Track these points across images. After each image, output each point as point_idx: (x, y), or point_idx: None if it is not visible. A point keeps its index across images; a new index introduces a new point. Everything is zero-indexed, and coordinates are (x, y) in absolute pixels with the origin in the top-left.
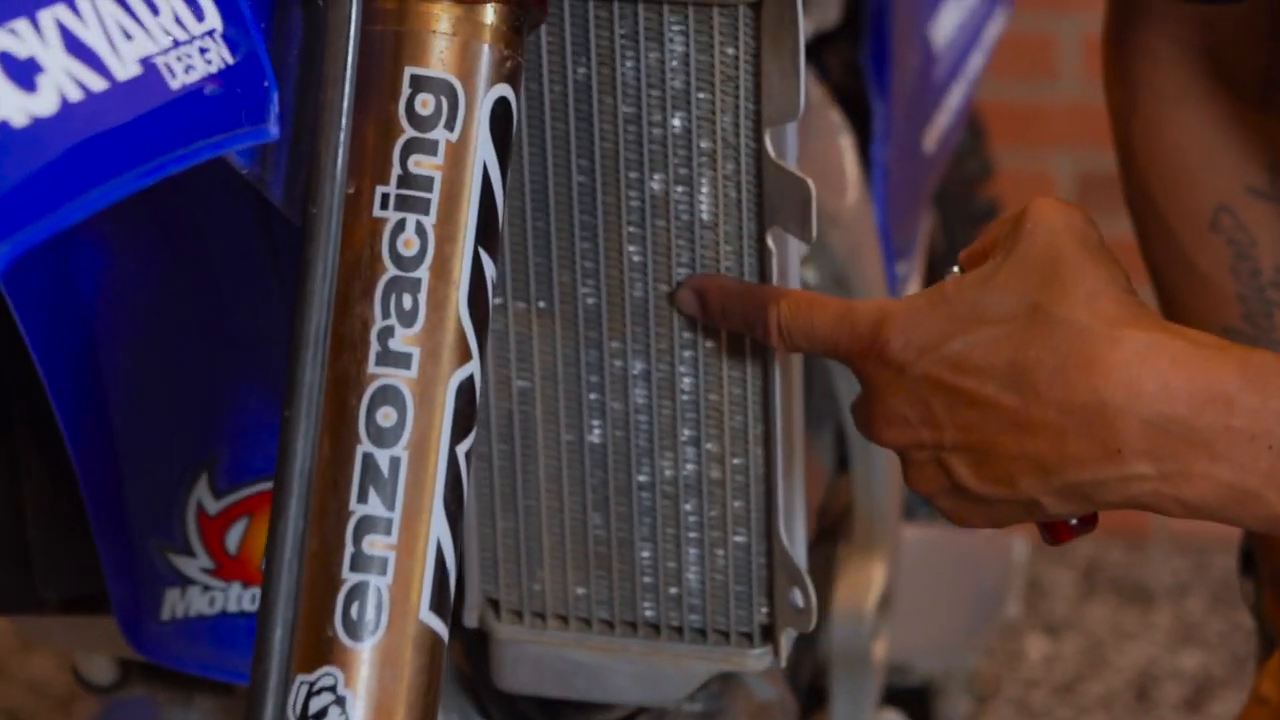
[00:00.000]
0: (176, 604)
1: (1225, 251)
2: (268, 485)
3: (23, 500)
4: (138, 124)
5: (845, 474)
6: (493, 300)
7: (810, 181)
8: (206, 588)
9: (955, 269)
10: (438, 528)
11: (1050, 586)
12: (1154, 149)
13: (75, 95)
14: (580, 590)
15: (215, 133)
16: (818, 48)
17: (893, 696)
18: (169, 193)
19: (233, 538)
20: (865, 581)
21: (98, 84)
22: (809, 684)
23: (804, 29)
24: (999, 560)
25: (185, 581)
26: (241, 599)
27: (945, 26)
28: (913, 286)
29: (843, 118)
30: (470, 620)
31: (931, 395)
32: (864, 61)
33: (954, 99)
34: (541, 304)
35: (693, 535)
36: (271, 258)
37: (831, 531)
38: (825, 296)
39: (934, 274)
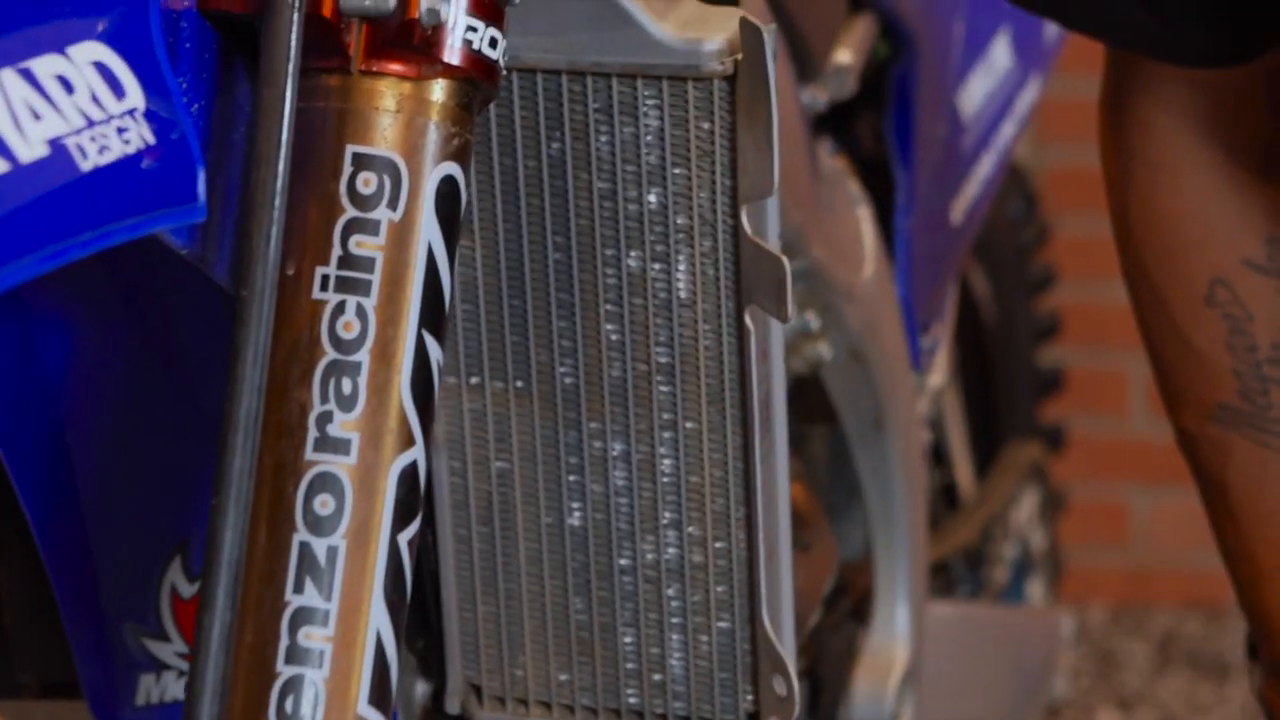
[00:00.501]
0: (151, 689)
1: (1220, 326)
2: None
3: None
4: (40, 207)
5: (869, 557)
6: (450, 381)
7: (785, 260)
8: (182, 673)
9: None
10: (377, 619)
11: (1125, 659)
12: (1149, 219)
13: None
14: (563, 676)
15: (133, 214)
16: (839, 119)
17: None
18: (136, 269)
19: None
20: (887, 662)
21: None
22: None
23: (777, 103)
24: (1045, 637)
25: (160, 666)
26: None
27: (974, 95)
28: (940, 358)
29: (861, 189)
30: (453, 707)
31: None
32: (887, 130)
33: (984, 169)
34: (519, 384)
35: (675, 620)
36: None
37: (855, 613)
38: None
39: (985, 345)
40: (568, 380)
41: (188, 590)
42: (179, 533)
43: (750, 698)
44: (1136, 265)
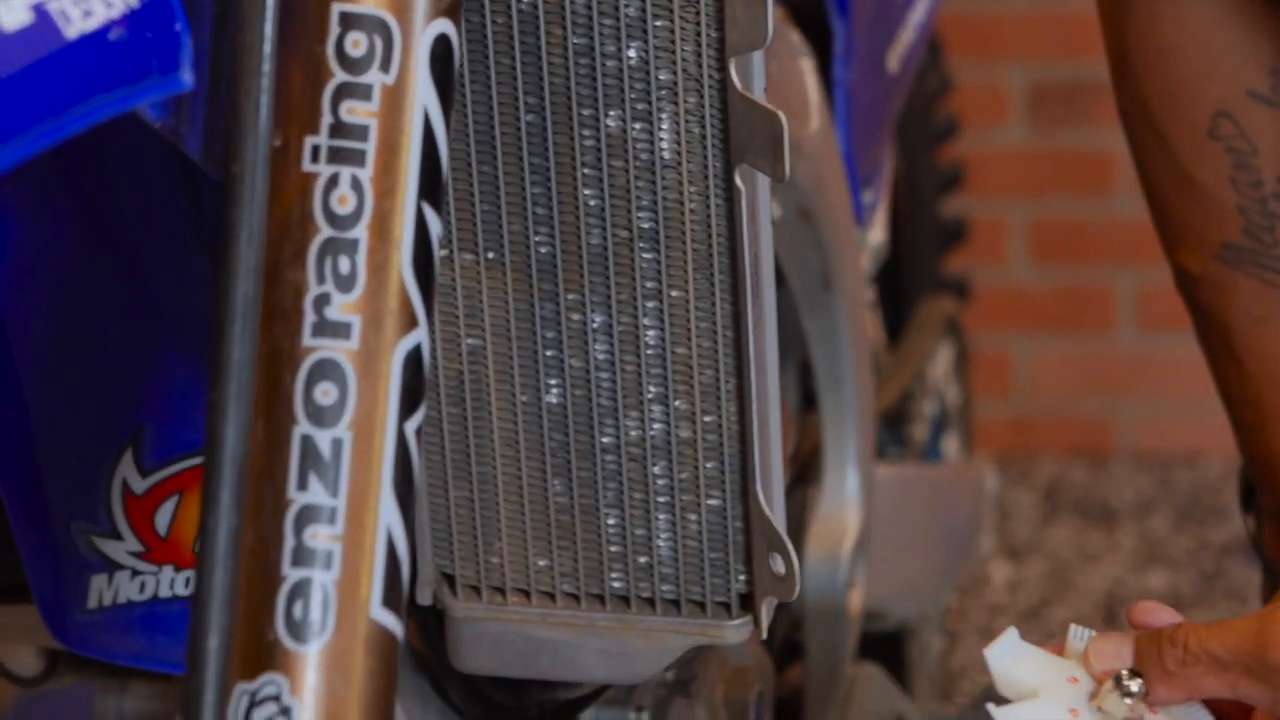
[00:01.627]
0: (104, 591)
1: (1224, 160)
2: (198, 460)
3: None
4: (28, 79)
5: (812, 412)
6: (438, 255)
7: (782, 114)
8: (136, 573)
9: None
10: (387, 514)
11: (1012, 509)
12: (1149, 51)
13: None
14: (542, 562)
15: (120, 85)
16: None
17: (866, 643)
18: (81, 151)
19: (162, 518)
20: (839, 529)
21: None
22: (783, 640)
23: None
24: (971, 494)
25: (113, 567)
26: (174, 583)
27: None
28: (880, 215)
29: (802, 39)
30: (424, 598)
31: None
32: None
33: (917, 14)
34: (490, 255)
35: (662, 500)
36: (196, 223)
37: (801, 476)
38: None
39: (895, 202)
40: (543, 250)
41: (140, 485)
42: (130, 424)
43: (743, 578)
44: (1135, 101)
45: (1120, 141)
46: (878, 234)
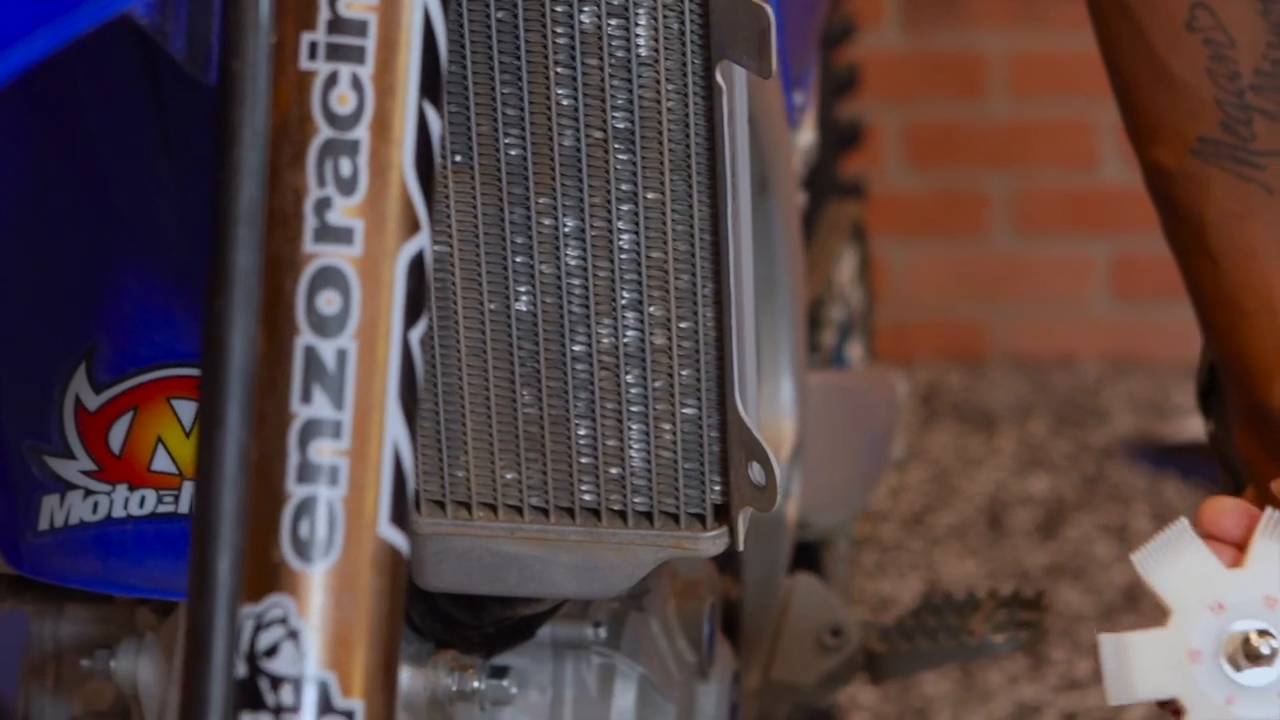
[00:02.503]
0: (55, 512)
1: (1202, 52)
2: (155, 375)
3: None
4: None
5: None
6: (439, 158)
7: (769, 7)
8: (89, 492)
9: None
10: (393, 428)
11: None
12: None
13: None
14: (509, 475)
15: None
16: None
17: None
18: None
19: (116, 436)
20: (775, 438)
21: None
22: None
23: None
24: (885, 401)
25: (65, 486)
26: (128, 503)
27: None
28: (809, 117)
29: None
30: None
31: None
32: None
33: None
34: (458, 158)
35: (635, 409)
36: (159, 124)
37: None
38: None
39: None
40: (513, 152)
41: (94, 402)
42: (83, 339)
43: (718, 488)
44: None
45: (994, 44)
46: (808, 135)
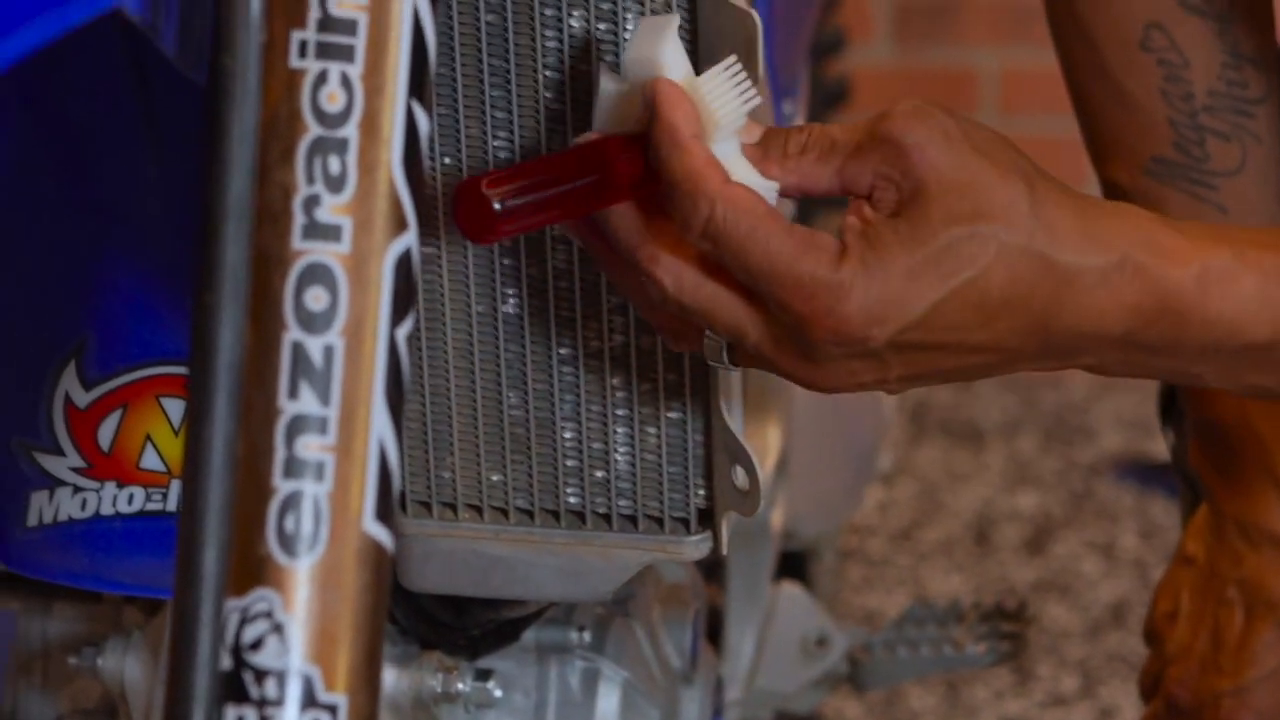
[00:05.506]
0: (44, 508)
1: (1156, 73)
2: (144, 372)
3: None
4: None
5: None
6: (426, 157)
7: (755, 14)
8: (77, 489)
9: (852, 219)
10: (379, 424)
11: None
12: None
13: None
14: (495, 477)
15: None
16: None
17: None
18: None
19: (105, 432)
20: (760, 446)
21: None
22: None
23: None
24: (872, 413)
25: (54, 483)
26: (116, 500)
27: None
28: (799, 121)
29: None
30: None
31: (889, 355)
32: None
33: None
34: (447, 160)
35: (621, 413)
36: (147, 119)
37: None
38: (770, 216)
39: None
40: (502, 154)
41: (83, 398)
42: (72, 334)
43: (702, 493)
44: (1067, 11)
45: (984, 60)
46: None
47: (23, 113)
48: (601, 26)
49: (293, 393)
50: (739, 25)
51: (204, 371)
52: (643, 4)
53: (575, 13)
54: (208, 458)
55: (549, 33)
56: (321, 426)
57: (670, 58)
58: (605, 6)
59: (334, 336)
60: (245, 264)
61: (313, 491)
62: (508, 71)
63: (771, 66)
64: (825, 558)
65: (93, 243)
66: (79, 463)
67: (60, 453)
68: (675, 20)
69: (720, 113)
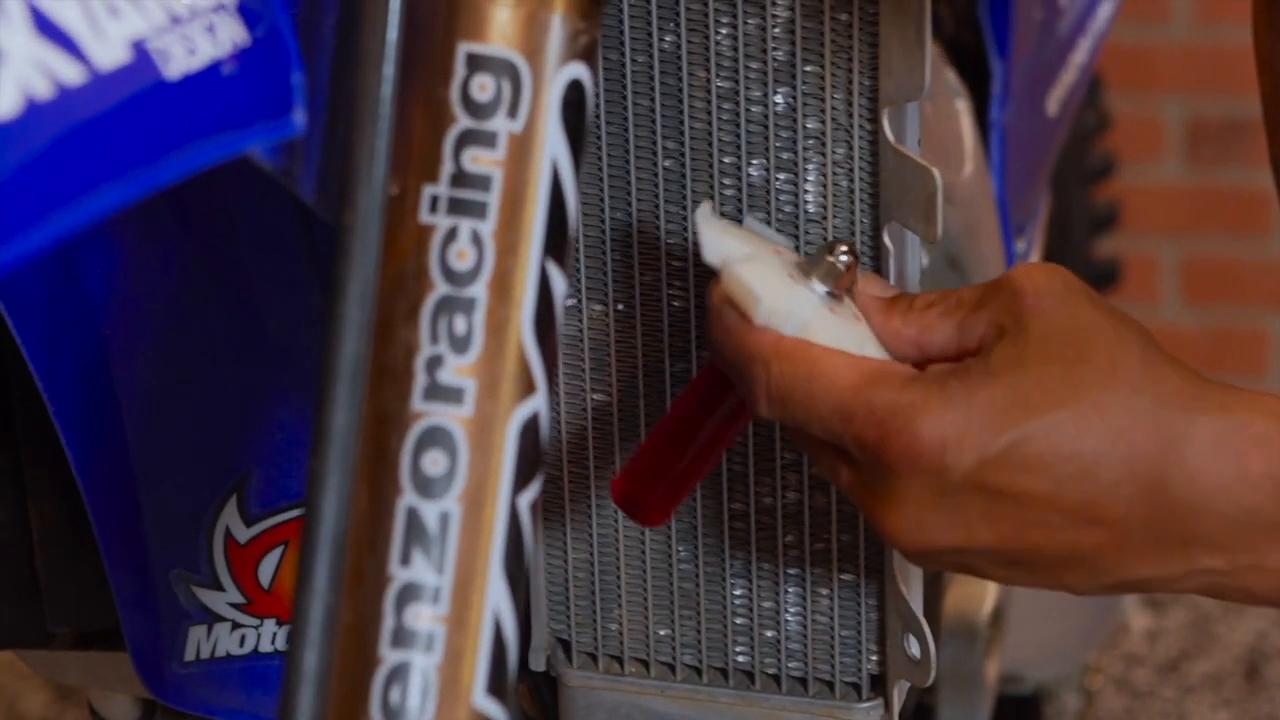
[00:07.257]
0: (202, 643)
1: None
2: None
3: (29, 523)
4: (123, 123)
5: None
6: (561, 313)
7: (936, 172)
8: (236, 625)
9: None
10: (495, 596)
11: None
12: None
13: (45, 91)
14: (663, 631)
15: (226, 128)
16: None
17: (1001, 706)
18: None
19: (266, 569)
20: (977, 594)
21: (73, 75)
22: (915, 705)
23: None
24: None
25: (212, 618)
26: (276, 637)
27: None
28: (1034, 259)
29: (958, 79)
30: (538, 663)
31: (969, 499)
32: (981, 15)
33: (1079, 55)
34: (620, 307)
35: (793, 572)
36: (310, 256)
37: None
38: (830, 355)
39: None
40: (676, 304)
41: (244, 534)
42: (235, 470)
43: (875, 658)
44: None
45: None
46: None
47: (194, 249)
48: (781, 176)
49: (405, 559)
50: (920, 181)
51: (309, 537)
52: (823, 153)
53: (755, 161)
54: (306, 625)
55: (727, 180)
56: (434, 596)
57: (704, 238)
58: (785, 156)
59: (451, 502)
60: (354, 429)
61: (421, 663)
62: (684, 219)
63: (1004, 204)
64: (1065, 699)
65: (256, 378)
66: (238, 598)
67: (220, 588)
68: (705, 206)
69: (768, 285)
